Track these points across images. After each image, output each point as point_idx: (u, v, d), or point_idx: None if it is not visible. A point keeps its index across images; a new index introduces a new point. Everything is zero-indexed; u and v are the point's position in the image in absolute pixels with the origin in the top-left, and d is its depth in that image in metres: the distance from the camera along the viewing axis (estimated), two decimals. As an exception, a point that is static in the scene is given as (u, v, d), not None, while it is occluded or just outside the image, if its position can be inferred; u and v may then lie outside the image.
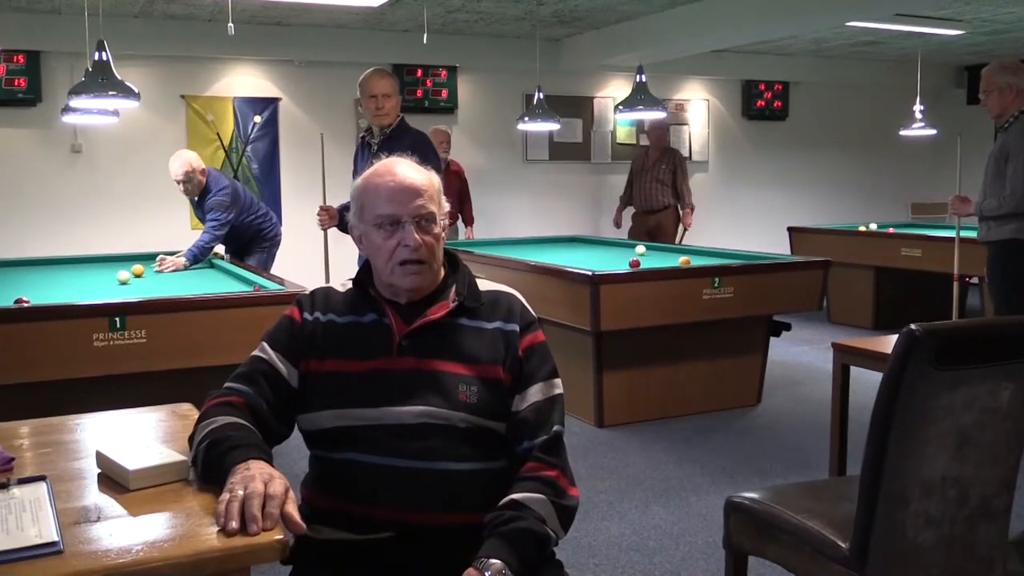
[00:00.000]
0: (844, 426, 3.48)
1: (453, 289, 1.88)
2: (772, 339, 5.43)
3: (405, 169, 1.86)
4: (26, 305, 3.59)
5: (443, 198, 1.91)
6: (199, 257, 5.37)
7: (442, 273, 1.91)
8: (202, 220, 5.71)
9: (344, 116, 8.33)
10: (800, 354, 6.78)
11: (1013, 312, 4.42)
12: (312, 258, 6.88)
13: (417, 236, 1.80)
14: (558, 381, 1.86)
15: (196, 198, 5.67)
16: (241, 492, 1.47)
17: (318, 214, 4.50)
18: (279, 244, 6.10)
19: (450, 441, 1.76)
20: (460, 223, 7.78)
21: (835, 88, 10.54)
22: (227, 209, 5.53)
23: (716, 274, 4.96)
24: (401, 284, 1.83)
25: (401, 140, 4.31)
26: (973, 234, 4.84)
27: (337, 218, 4.48)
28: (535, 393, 1.81)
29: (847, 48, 9.31)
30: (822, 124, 10.59)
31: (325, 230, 4.62)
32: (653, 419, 5.05)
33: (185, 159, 5.55)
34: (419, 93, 8.53)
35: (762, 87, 10.15)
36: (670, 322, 4.89)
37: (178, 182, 5.54)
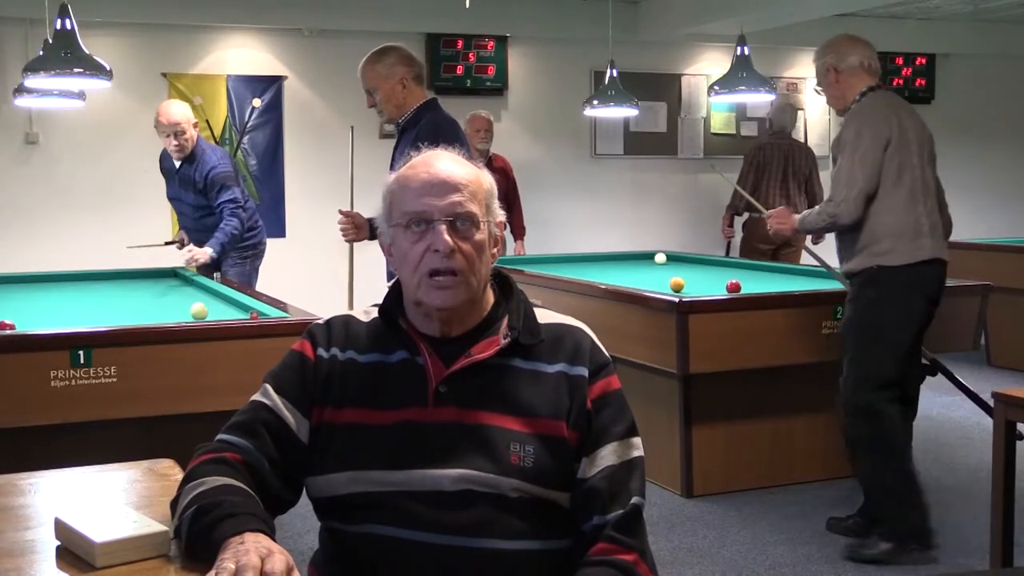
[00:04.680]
0: (1010, 502, 3.42)
1: (505, 321, 1.90)
2: (913, 387, 5.36)
3: (445, 162, 1.89)
4: (-33, 334, 3.67)
5: (495, 203, 1.93)
6: (227, 248, 5.62)
7: (490, 299, 1.93)
8: (178, 203, 5.95)
9: (365, 99, 8.34)
10: (950, 407, 6.67)
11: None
12: (323, 278, 6.96)
13: (449, 239, 1.82)
14: (637, 440, 1.86)
15: (179, 164, 5.82)
16: (232, 566, 1.49)
17: (340, 222, 4.53)
18: (263, 255, 6.20)
19: (499, 513, 1.77)
20: (508, 235, 7.81)
21: (997, 61, 10.41)
22: (236, 183, 5.76)
23: (839, 302, 4.89)
24: (429, 301, 1.85)
25: (412, 131, 4.29)
26: None
27: (366, 229, 4.45)
28: (608, 455, 1.82)
29: (1015, 9, 9.20)
30: (980, 108, 10.45)
31: (351, 243, 4.62)
32: (757, 488, 5.00)
33: (185, 107, 5.79)
34: (459, 70, 8.61)
35: (900, 61, 10.07)
36: (780, 363, 4.85)
37: (176, 133, 5.67)
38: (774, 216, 4.56)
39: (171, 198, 6.13)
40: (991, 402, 3.43)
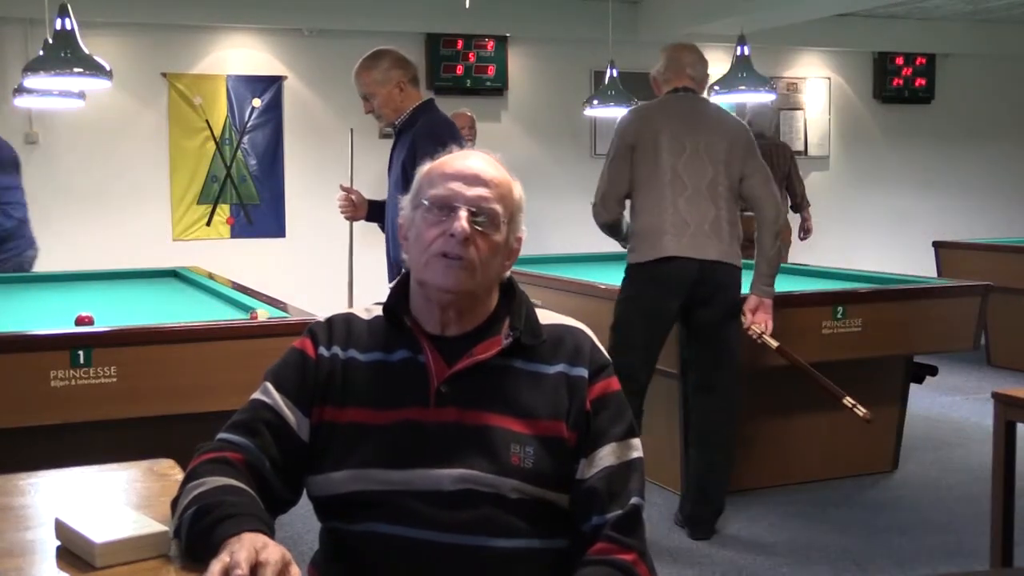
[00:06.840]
0: (1009, 502, 3.42)
1: (507, 322, 1.90)
2: (913, 386, 5.36)
3: (483, 161, 1.90)
4: (-34, 334, 3.66)
5: (521, 216, 1.94)
6: None
7: (495, 300, 1.93)
8: None
9: (362, 105, 8.34)
10: (950, 406, 6.68)
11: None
12: (323, 278, 6.96)
13: (467, 226, 1.82)
14: (636, 441, 1.86)
15: None
16: (228, 559, 1.49)
17: (339, 198, 4.45)
18: (31, 267, 5.97)
19: (499, 512, 1.77)
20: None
21: (997, 61, 10.41)
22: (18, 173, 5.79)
23: (839, 302, 4.91)
24: (432, 280, 1.84)
25: (408, 133, 4.24)
26: None
27: (365, 209, 4.42)
28: (607, 456, 1.82)
29: (1015, 9, 9.20)
30: (980, 109, 10.46)
31: (350, 222, 4.56)
32: (757, 488, 5.00)
33: None
34: (459, 70, 8.61)
35: (900, 61, 10.07)
36: (779, 363, 4.84)
37: None
38: None
39: None
40: (991, 404, 3.43)
